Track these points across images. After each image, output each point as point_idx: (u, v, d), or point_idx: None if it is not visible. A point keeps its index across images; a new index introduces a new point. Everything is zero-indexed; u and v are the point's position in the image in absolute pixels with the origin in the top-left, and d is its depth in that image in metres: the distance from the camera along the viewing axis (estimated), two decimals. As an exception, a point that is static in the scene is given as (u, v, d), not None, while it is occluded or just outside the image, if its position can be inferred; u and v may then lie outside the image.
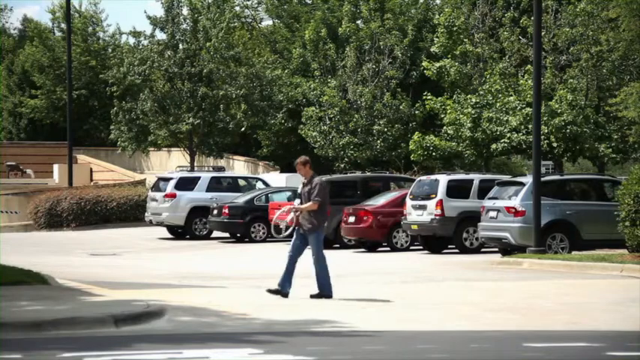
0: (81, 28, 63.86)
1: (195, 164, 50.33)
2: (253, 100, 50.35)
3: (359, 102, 49.56)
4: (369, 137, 49.29)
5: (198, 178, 39.12)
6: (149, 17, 50.71)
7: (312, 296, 17.37)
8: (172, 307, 15.73)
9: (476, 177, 31.30)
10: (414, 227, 30.42)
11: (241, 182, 40.41)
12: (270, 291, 17.41)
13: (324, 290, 17.40)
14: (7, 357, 11.55)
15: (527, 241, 26.18)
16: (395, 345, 12.64)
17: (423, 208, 30.25)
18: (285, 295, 17.36)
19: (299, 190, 17.58)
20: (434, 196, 30.27)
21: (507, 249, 27.74)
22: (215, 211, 36.26)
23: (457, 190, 30.52)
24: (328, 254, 30.41)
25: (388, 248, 31.31)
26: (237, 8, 65.18)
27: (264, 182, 40.02)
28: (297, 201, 17.48)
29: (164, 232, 38.84)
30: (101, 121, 61.70)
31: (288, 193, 37.07)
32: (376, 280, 21.48)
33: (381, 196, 32.58)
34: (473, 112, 41.79)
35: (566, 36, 42.39)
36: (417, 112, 49.95)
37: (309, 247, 17.56)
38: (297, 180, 41.73)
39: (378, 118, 49.35)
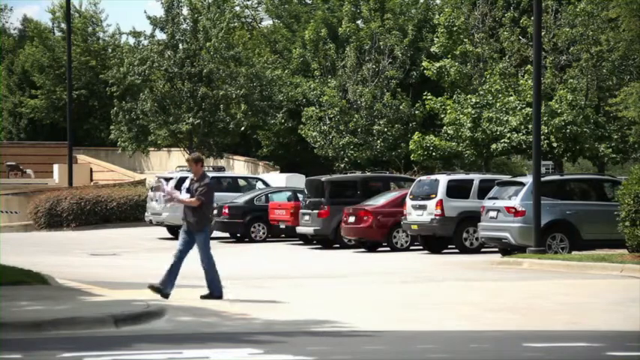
0: (81, 28, 63.88)
1: (196, 164, 50.24)
2: (253, 100, 50.37)
3: (359, 102, 49.58)
4: (369, 137, 49.31)
5: (199, 178, 39.06)
6: (149, 17, 50.76)
7: (202, 297, 16.77)
8: (172, 307, 15.74)
9: (476, 177, 31.27)
10: (414, 227, 30.41)
11: (241, 182, 40.39)
12: (152, 287, 16.66)
13: (215, 291, 16.81)
14: (7, 357, 11.55)
15: (527, 241, 26.17)
16: (395, 345, 12.64)
17: (423, 208, 30.24)
18: (166, 295, 16.61)
19: (187, 186, 17.26)
20: (434, 196, 30.25)
21: (507, 249, 27.72)
22: (215, 211, 36.24)
23: (457, 190, 30.50)
24: (328, 254, 30.60)
25: (388, 248, 31.31)
26: (237, 8, 65.22)
27: (264, 182, 40.01)
28: (187, 195, 17.15)
29: (164, 232, 38.83)
30: (101, 121, 61.73)
31: (288, 193, 37.09)
32: (376, 280, 21.48)
33: (381, 196, 32.57)
34: (473, 112, 41.80)
35: (566, 36, 42.40)
36: (417, 112, 49.97)
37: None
38: (297, 180, 41.89)
39: (378, 118, 49.37)
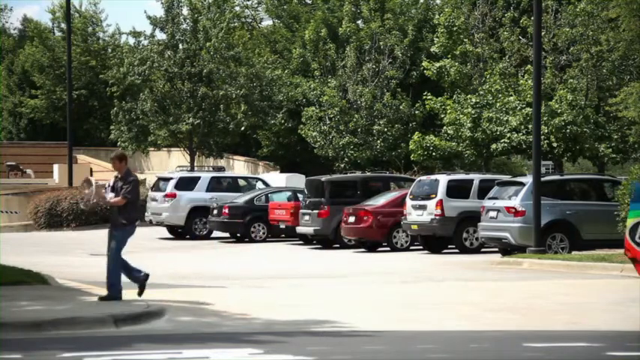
0: (81, 28, 63.89)
1: (195, 164, 50.34)
2: (253, 100, 50.36)
3: (359, 102, 49.58)
4: (369, 137, 49.31)
5: (198, 178, 39.10)
6: (149, 17, 50.74)
7: (101, 298, 16.26)
8: (172, 307, 15.74)
9: (476, 177, 31.28)
10: (414, 227, 30.41)
11: (241, 182, 40.40)
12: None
13: (113, 291, 16.24)
14: (7, 357, 11.55)
15: (527, 241, 26.18)
16: (395, 345, 12.64)
17: (423, 208, 30.25)
18: (142, 286, 16.46)
19: (111, 184, 16.96)
20: (434, 196, 30.26)
21: (507, 249, 27.73)
22: (215, 211, 36.26)
23: (457, 190, 30.50)
24: (328, 254, 30.61)
25: (388, 248, 31.31)
26: (237, 8, 65.21)
27: (264, 182, 40.02)
28: (111, 194, 16.82)
29: (164, 232, 38.84)
30: (101, 121, 61.73)
31: (288, 193, 37.09)
32: (376, 280, 21.48)
33: (381, 196, 32.58)
34: (473, 112, 41.79)
35: (566, 36, 42.40)
36: (417, 112, 49.98)
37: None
38: (297, 180, 41.88)
39: (378, 118, 49.37)
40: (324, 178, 33.97)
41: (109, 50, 64.14)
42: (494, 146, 41.76)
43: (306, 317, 14.99)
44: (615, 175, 39.06)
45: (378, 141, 49.08)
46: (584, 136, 40.98)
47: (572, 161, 46.82)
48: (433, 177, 31.80)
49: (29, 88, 64.49)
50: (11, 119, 65.90)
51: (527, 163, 55.12)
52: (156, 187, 39.43)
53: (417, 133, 44.99)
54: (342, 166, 48.80)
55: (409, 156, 45.49)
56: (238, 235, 36.11)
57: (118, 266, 16.37)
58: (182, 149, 52.18)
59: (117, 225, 16.47)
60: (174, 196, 37.76)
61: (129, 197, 16.41)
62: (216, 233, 37.32)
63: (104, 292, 17.76)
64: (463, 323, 14.38)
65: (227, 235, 36.93)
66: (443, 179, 30.64)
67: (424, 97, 45.91)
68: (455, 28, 44.54)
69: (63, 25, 64.00)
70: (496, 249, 28.70)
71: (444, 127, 43.86)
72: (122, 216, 16.43)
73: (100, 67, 61.78)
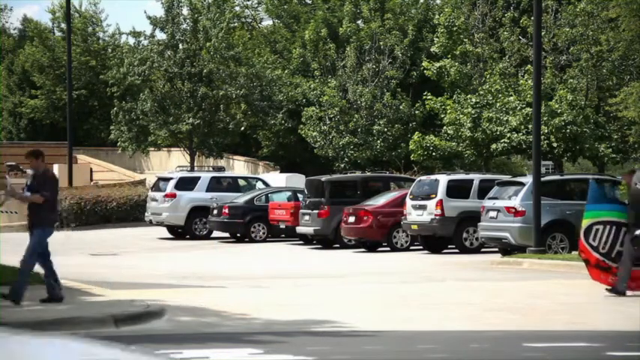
0: (81, 28, 63.87)
1: (195, 164, 50.33)
2: (253, 100, 50.38)
3: (359, 102, 49.59)
4: (369, 137, 49.32)
5: (198, 178, 39.09)
6: (149, 17, 50.76)
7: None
8: (172, 307, 15.74)
9: (476, 177, 31.28)
10: (414, 227, 30.41)
11: (241, 182, 40.38)
12: (43, 300, 15.69)
13: (14, 295, 15.53)
14: (7, 357, 11.54)
15: (527, 241, 26.17)
16: (395, 345, 12.64)
17: (423, 208, 30.24)
18: (60, 299, 15.74)
19: (28, 182, 16.65)
20: (434, 196, 30.26)
21: (507, 249, 27.73)
22: (215, 211, 36.25)
23: (457, 190, 30.50)
24: (328, 254, 30.60)
25: (388, 248, 31.31)
26: (237, 8, 65.23)
27: (264, 182, 40.01)
28: (28, 193, 16.42)
29: (164, 232, 38.82)
30: (101, 121, 61.71)
31: (288, 193, 37.09)
32: (376, 280, 21.48)
33: (381, 196, 32.58)
34: (473, 112, 41.81)
35: (566, 36, 42.42)
36: (417, 112, 50.00)
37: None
38: (297, 180, 41.88)
39: (378, 118, 49.39)
40: (324, 178, 33.96)
41: (109, 50, 64.09)
42: (494, 146, 41.77)
43: (306, 317, 14.99)
44: (615, 175, 39.07)
45: (378, 141, 49.09)
46: (584, 136, 40.99)
47: (572, 161, 46.85)
48: (433, 177, 31.80)
49: (29, 88, 64.48)
50: (11, 119, 65.88)
51: (527, 163, 55.12)
52: (156, 187, 39.40)
53: (417, 133, 45.01)
54: (342, 166, 48.81)
55: (409, 156, 45.51)
56: (238, 235, 36.10)
57: (28, 270, 15.89)
58: (182, 149, 52.19)
59: (37, 224, 15.92)
60: (174, 196, 37.74)
61: (47, 195, 15.98)
62: (216, 233, 37.30)
63: (105, 292, 17.83)
64: (463, 323, 14.38)
65: (227, 235, 36.91)
66: (443, 179, 30.64)
67: (424, 97, 45.93)
68: (455, 28, 44.57)
69: (63, 25, 63.95)
70: (496, 249, 28.70)
71: (444, 127, 43.88)
72: (39, 215, 15.92)
73: (100, 67, 61.77)
